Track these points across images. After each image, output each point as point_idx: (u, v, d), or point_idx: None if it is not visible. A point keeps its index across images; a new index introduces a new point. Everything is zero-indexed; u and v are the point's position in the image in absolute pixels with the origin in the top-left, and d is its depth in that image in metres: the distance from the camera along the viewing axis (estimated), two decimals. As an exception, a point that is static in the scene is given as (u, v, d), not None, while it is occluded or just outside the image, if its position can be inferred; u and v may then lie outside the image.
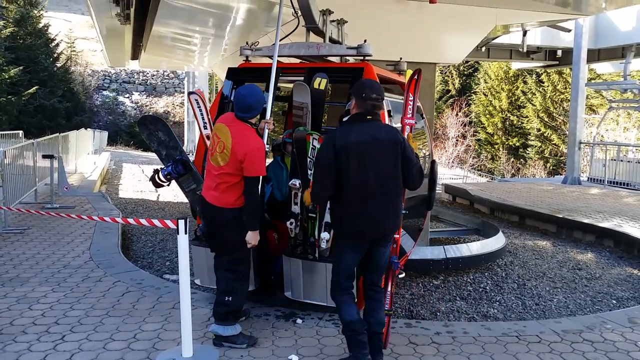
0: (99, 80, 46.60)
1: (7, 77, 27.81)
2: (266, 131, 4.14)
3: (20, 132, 17.90)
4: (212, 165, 3.88)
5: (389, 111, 4.70)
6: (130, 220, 4.13)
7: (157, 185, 4.61)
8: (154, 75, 47.72)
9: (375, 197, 3.42)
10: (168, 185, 4.66)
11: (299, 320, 4.38)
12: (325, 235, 4.15)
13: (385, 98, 4.29)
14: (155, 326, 4.27)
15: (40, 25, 36.20)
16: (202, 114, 4.57)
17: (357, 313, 3.54)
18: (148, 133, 4.87)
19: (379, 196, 3.42)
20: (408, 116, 4.20)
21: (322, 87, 4.50)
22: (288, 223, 4.36)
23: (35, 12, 36.01)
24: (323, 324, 4.33)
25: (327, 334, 4.16)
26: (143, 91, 47.06)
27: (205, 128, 4.61)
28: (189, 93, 4.56)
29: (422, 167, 3.70)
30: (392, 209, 3.51)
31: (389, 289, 3.95)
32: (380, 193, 3.42)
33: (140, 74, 47.04)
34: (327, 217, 4.14)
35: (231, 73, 5.22)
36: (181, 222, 3.58)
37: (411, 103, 4.21)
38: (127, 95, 46.63)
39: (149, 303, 4.75)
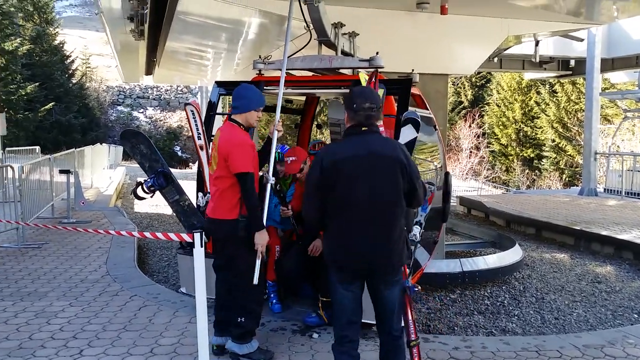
0: (114, 96, 47.24)
1: (23, 93, 28.29)
2: (275, 135, 4.02)
3: (37, 147, 18.12)
4: (210, 174, 3.95)
5: (416, 123, 4.21)
6: (147, 234, 4.15)
7: (140, 198, 4.66)
8: (167, 90, 48.26)
9: (366, 222, 2.91)
10: (151, 197, 4.71)
11: (315, 335, 4.35)
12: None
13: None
14: (172, 340, 4.26)
15: (56, 42, 36.90)
16: (196, 125, 4.66)
17: None
18: (130, 146, 4.97)
19: (371, 222, 2.91)
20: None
21: None
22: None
23: (51, 29, 36.72)
24: (339, 339, 4.29)
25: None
26: (157, 106, 47.60)
27: (199, 138, 4.69)
28: (185, 104, 4.66)
29: (425, 188, 3.28)
30: (388, 239, 2.94)
31: (410, 317, 3.45)
32: (373, 218, 2.90)
33: (154, 89, 47.60)
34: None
35: (218, 84, 5.39)
36: (197, 235, 3.59)
37: None
38: (141, 110, 47.17)
39: (166, 317, 4.75)
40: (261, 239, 3.62)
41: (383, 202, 2.92)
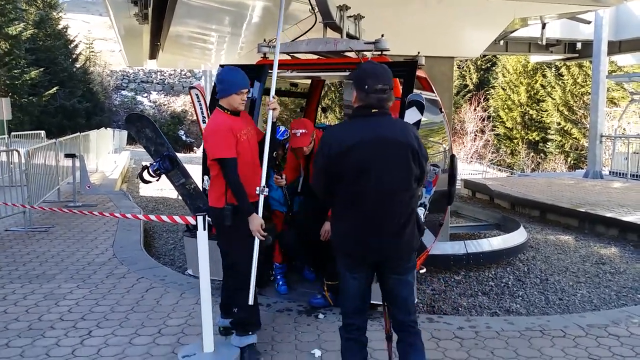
0: (118, 80, 47.18)
1: (27, 78, 28.27)
2: (270, 114, 3.76)
3: (42, 132, 18.17)
4: None
5: (421, 105, 4.19)
6: (152, 217, 4.19)
7: (145, 182, 4.67)
8: (171, 75, 48.14)
9: (376, 212, 2.75)
10: (157, 180, 4.73)
11: (320, 315, 4.40)
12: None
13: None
14: (179, 321, 4.32)
15: (60, 27, 36.77)
16: (201, 108, 4.66)
17: None
18: (136, 130, 4.99)
19: (382, 211, 2.75)
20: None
21: None
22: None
23: (54, 14, 36.56)
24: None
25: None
26: (161, 90, 47.53)
27: (204, 122, 4.69)
28: (190, 87, 4.65)
29: (429, 170, 3.18)
30: (399, 228, 2.78)
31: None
32: (384, 208, 2.74)
33: (158, 73, 47.49)
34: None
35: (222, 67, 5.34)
36: (200, 218, 3.63)
37: None
38: (145, 95, 47.12)
39: (173, 299, 4.81)
40: (253, 224, 3.48)
41: (394, 191, 2.74)
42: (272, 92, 3.94)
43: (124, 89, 47.07)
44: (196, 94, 4.59)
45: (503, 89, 34.58)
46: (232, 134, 3.54)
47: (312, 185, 3.02)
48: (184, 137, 42.38)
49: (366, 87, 2.75)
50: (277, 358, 3.73)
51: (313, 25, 5.45)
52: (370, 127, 2.75)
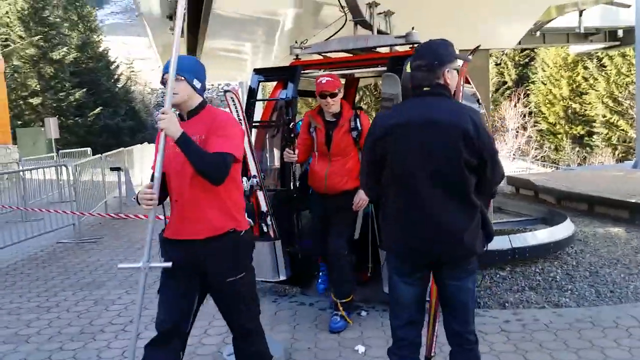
0: (158, 98, 48.46)
1: (72, 100, 29.38)
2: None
3: (89, 149, 18.81)
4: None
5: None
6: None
7: None
8: (209, 89, 49.04)
9: (426, 204, 2.43)
10: None
11: (363, 313, 4.39)
12: None
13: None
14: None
15: (100, 49, 38.02)
16: (237, 111, 4.70)
17: None
18: None
19: (431, 201, 2.43)
20: None
21: None
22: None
23: (95, 37, 37.84)
24: (387, 316, 4.30)
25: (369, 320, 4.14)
26: (200, 105, 48.51)
27: (240, 124, 4.74)
28: (225, 91, 4.70)
29: (503, 172, 2.62)
30: (454, 223, 2.44)
31: (433, 327, 3.00)
32: (432, 196, 2.42)
33: (196, 88, 48.48)
34: None
35: (256, 71, 5.42)
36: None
37: None
38: (185, 110, 48.19)
39: (217, 301, 4.88)
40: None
41: (444, 180, 2.41)
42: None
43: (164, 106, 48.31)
44: (231, 97, 4.67)
45: (544, 83, 33.81)
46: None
47: (360, 177, 2.79)
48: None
49: (412, 64, 2.58)
50: (321, 355, 3.73)
51: (344, 24, 5.49)
52: (418, 108, 2.49)
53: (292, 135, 4.46)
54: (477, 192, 2.47)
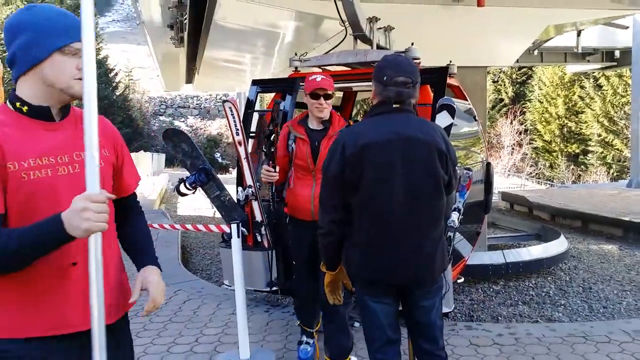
0: (156, 106, 48.51)
1: (71, 106, 29.36)
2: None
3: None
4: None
5: (452, 109, 3.87)
6: (189, 227, 4.29)
7: (182, 194, 4.72)
8: (207, 99, 49.21)
9: (402, 228, 2.35)
10: (193, 193, 4.78)
11: (356, 324, 4.38)
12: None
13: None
14: (216, 331, 4.37)
15: (100, 56, 38.16)
16: (234, 121, 4.72)
17: None
18: (173, 145, 5.08)
19: (408, 226, 2.35)
20: None
21: None
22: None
23: (95, 44, 38.04)
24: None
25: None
26: (197, 115, 48.60)
27: (238, 134, 4.75)
28: (224, 101, 4.72)
29: (458, 176, 2.66)
30: (430, 245, 2.39)
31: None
32: (411, 221, 2.34)
33: (195, 98, 48.63)
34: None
35: (254, 82, 5.47)
36: (234, 226, 3.71)
37: None
38: (182, 120, 48.24)
39: (210, 310, 4.87)
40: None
41: (422, 200, 2.35)
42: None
43: (161, 115, 48.33)
44: (229, 107, 4.69)
45: (540, 101, 34.01)
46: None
47: (321, 200, 2.49)
48: (220, 159, 43.11)
49: (385, 78, 2.38)
50: (314, 365, 3.72)
51: (344, 39, 5.53)
52: (390, 125, 2.36)
53: (273, 149, 3.75)
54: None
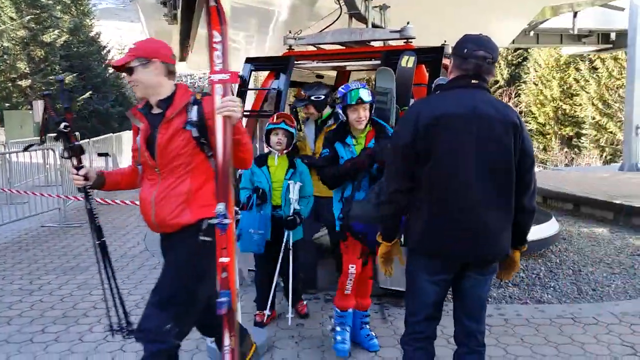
0: (149, 84, 48.08)
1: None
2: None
3: (77, 134, 18.65)
4: None
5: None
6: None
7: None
8: (201, 78, 48.77)
9: (469, 198, 2.31)
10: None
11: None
12: None
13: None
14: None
15: (93, 33, 37.65)
16: None
17: None
18: None
19: (476, 198, 2.30)
20: (215, 69, 2.44)
21: (410, 65, 4.21)
22: None
23: (88, 21, 37.44)
24: (377, 310, 4.33)
25: (376, 317, 4.16)
26: (191, 94, 48.24)
27: None
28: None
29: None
30: (495, 222, 2.34)
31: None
32: (478, 193, 2.30)
33: (189, 76, 48.17)
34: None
35: (248, 60, 5.41)
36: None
37: (219, 47, 2.46)
38: (176, 98, 47.88)
39: (202, 288, 4.88)
40: None
41: (493, 176, 2.31)
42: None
43: (155, 93, 47.97)
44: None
45: (535, 84, 33.94)
46: None
47: (386, 170, 2.56)
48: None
49: (465, 51, 2.39)
50: (304, 344, 3.74)
51: (339, 17, 5.48)
52: (466, 99, 2.35)
53: (71, 144, 2.74)
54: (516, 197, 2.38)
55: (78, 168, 2.75)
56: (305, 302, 4.28)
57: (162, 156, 2.55)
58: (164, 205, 2.59)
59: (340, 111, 3.33)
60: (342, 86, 3.44)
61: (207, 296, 2.62)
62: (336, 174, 3.22)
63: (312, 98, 4.43)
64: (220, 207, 2.38)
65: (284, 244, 3.82)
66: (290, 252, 3.84)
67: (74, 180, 2.82)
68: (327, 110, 4.53)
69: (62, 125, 2.68)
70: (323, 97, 4.44)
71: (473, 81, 2.39)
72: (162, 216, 2.59)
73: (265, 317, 3.98)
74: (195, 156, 2.54)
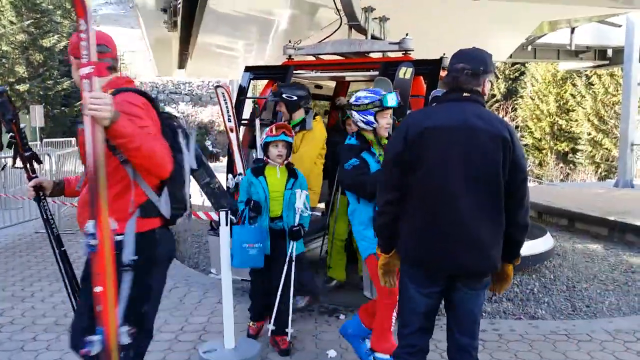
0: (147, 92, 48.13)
1: (60, 89, 29.02)
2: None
3: (73, 139, 18.63)
4: None
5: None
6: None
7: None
8: (199, 86, 48.83)
9: (461, 211, 2.32)
10: None
11: (342, 316, 4.39)
12: None
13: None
14: (202, 319, 4.36)
15: (92, 38, 37.66)
16: (227, 107, 4.67)
17: None
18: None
19: (463, 212, 2.32)
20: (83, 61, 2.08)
21: (408, 76, 4.24)
22: None
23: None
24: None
25: (370, 329, 4.14)
26: (189, 101, 48.21)
27: (229, 120, 4.71)
28: (216, 86, 4.66)
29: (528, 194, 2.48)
30: (482, 235, 2.33)
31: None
32: (467, 207, 2.32)
33: (187, 84, 48.23)
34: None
35: (247, 69, 5.43)
36: (222, 214, 3.68)
37: (85, 36, 2.03)
38: (173, 106, 47.84)
39: (196, 298, 4.85)
40: None
41: (481, 189, 2.32)
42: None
43: (153, 100, 48.00)
44: (222, 93, 4.65)
45: (532, 98, 34.12)
46: None
47: (379, 180, 2.59)
48: (210, 147, 42.88)
49: (449, 65, 2.52)
50: (296, 356, 3.72)
51: (339, 27, 5.50)
52: (457, 112, 2.39)
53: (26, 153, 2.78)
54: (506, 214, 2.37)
55: (30, 178, 2.64)
56: (288, 337, 3.82)
57: (84, 159, 2.23)
58: (82, 214, 2.29)
59: (371, 117, 3.29)
60: (367, 90, 3.41)
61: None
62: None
63: (284, 96, 4.38)
64: (89, 225, 1.96)
65: (288, 256, 3.71)
66: (294, 264, 3.75)
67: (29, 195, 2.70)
68: (300, 116, 4.45)
69: (9, 136, 2.63)
70: (295, 98, 4.36)
71: (465, 94, 2.42)
72: (83, 227, 2.07)
73: (269, 331, 3.84)
74: (107, 160, 2.05)
